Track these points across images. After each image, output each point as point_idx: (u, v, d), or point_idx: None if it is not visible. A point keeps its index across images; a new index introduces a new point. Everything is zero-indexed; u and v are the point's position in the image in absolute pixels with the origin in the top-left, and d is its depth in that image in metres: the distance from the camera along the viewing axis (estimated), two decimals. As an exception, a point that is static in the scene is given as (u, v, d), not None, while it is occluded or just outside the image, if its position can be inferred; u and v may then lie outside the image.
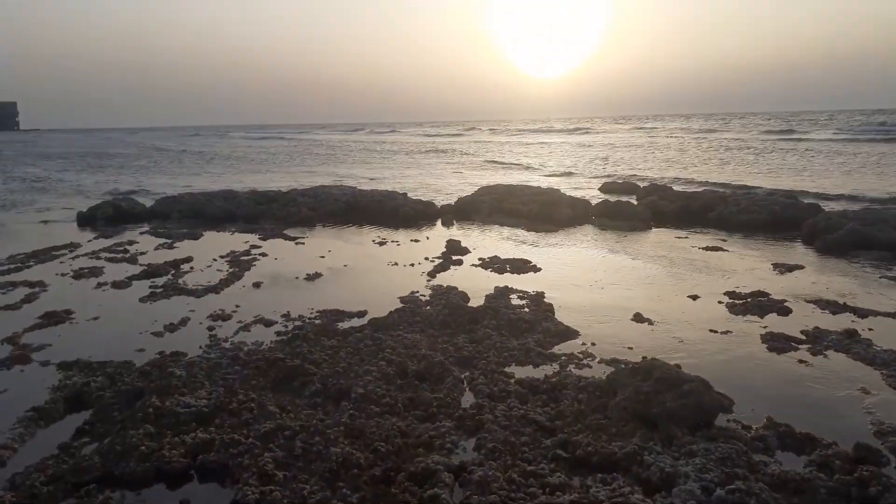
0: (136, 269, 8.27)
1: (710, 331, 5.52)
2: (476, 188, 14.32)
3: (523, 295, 6.66)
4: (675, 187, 14.97)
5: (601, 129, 70.41)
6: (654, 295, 6.66)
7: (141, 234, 11.30)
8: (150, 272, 8.07)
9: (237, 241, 10.36)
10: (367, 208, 12.93)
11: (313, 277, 7.71)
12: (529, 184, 14.93)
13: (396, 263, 8.37)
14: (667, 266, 7.92)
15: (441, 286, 7.05)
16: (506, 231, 10.84)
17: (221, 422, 3.89)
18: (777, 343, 5.19)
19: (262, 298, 6.86)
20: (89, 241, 10.64)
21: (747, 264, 8.00)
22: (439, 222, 12.02)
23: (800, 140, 36.93)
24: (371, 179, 21.61)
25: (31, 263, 8.65)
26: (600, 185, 17.02)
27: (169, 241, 10.42)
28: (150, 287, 7.36)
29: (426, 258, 8.64)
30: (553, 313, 5.94)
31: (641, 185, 15.90)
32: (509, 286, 6.95)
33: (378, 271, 8.02)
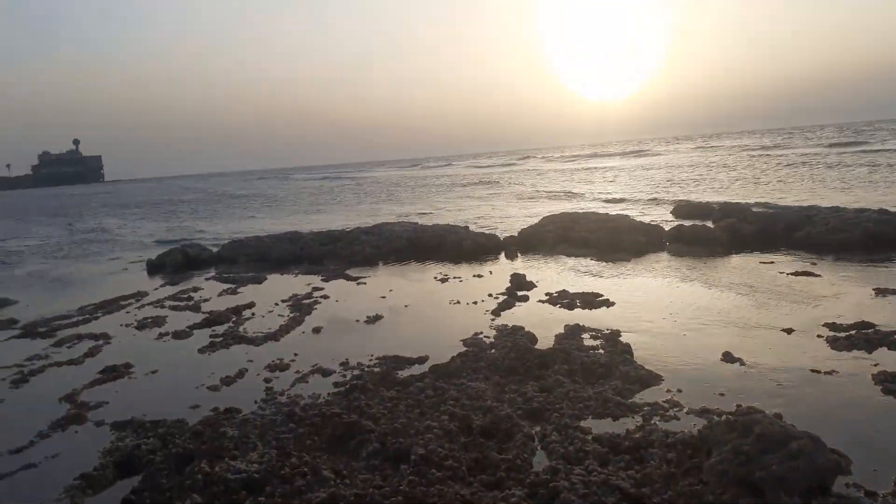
0: (198, 318, 8.23)
1: (812, 371, 4.89)
2: (539, 218, 13.89)
3: (596, 334, 6.17)
4: (752, 208, 14.11)
5: (659, 149, 67.99)
6: (743, 330, 6.04)
7: (206, 279, 11.40)
8: (212, 320, 8.00)
9: (300, 283, 10.27)
10: (429, 244, 12.69)
11: (374, 320, 7.45)
12: (593, 211, 14.37)
13: (458, 302, 8.02)
14: (753, 295, 7.25)
15: (506, 326, 6.65)
16: (572, 262, 10.35)
17: (272, 489, 3.60)
18: (894, 385, 4.52)
19: (321, 345, 6.64)
20: (156, 288, 10.79)
21: (845, 290, 7.24)
22: (502, 255, 11.63)
23: (867, 151, 34.32)
24: (429, 213, 21.48)
25: (99, 314, 8.77)
26: (671, 208, 16.24)
27: (233, 286, 10.44)
28: (211, 336, 7.27)
29: (490, 294, 8.25)
30: (631, 355, 5.43)
31: (716, 206, 15.06)
32: (580, 324, 6.48)
33: (439, 311, 7.69)
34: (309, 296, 9.11)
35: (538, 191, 28.91)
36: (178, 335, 7.39)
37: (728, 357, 5.28)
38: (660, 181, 28.75)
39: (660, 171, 36.21)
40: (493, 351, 5.81)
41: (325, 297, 8.99)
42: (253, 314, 8.25)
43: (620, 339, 5.93)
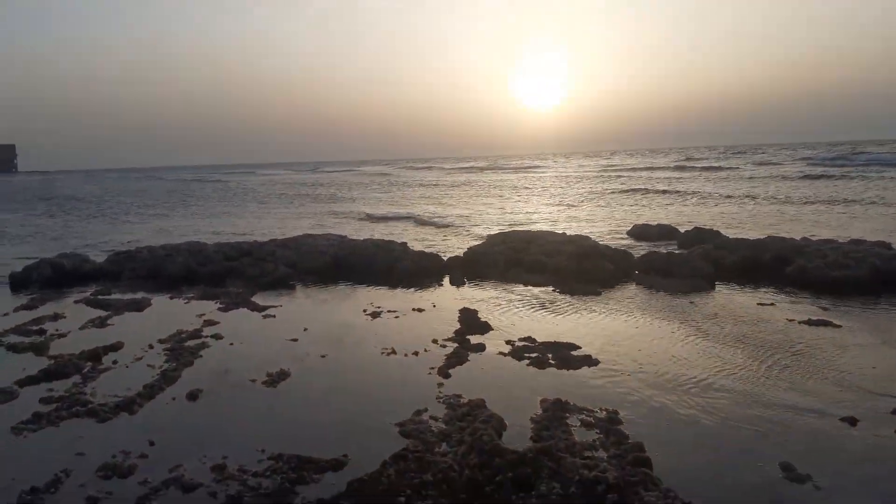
0: (39, 364, 6.01)
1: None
2: (488, 233, 12.15)
3: (588, 417, 4.40)
4: (716, 230, 12.84)
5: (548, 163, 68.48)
6: (788, 417, 4.38)
7: (76, 302, 9.02)
8: (54, 371, 5.78)
9: (191, 313, 8.09)
10: (359, 263, 10.71)
11: (276, 379, 5.44)
12: (548, 230, 12.74)
13: (394, 352, 6.10)
14: (773, 356, 5.63)
15: (460, 398, 4.80)
16: (530, 293, 8.59)
17: None
18: None
19: (193, 423, 4.60)
20: (5, 314, 8.37)
21: (888, 352, 5.73)
22: (447, 280, 9.77)
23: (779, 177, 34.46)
24: (364, 218, 19.47)
25: None
26: (629, 228, 14.82)
27: (105, 313, 8.16)
28: (42, 400, 5.10)
29: (434, 341, 6.38)
30: (650, 468, 3.64)
31: (681, 228, 13.72)
32: (562, 397, 4.69)
33: (368, 368, 5.74)
34: (197, 334, 6.99)
35: (472, 196, 27.23)
36: (-7, 399, 5.17)
37: (790, 471, 3.59)
38: (594, 194, 27.68)
39: (590, 183, 35.37)
40: (443, 449, 3.94)
41: (218, 336, 6.88)
42: (115, 362, 6.08)
43: (622, 427, 4.19)
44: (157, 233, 18.94)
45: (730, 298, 7.88)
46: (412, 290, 9.25)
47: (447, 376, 5.36)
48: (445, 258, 10.83)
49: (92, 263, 11.49)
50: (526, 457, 3.71)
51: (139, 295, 9.29)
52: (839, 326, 6.43)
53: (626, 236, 14.18)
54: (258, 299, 8.82)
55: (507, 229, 13.49)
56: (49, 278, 10.64)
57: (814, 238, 10.02)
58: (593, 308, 7.63)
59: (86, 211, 29.52)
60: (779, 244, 9.31)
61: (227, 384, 5.41)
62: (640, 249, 11.57)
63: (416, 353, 6.02)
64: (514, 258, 10.15)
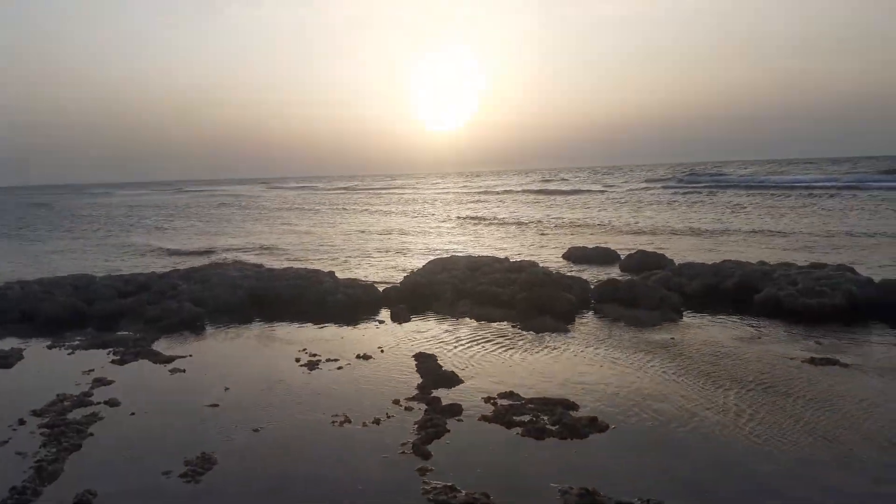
0: None
1: None
2: (426, 259, 11.01)
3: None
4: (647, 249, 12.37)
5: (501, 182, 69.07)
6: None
7: (-84, 358, 7.10)
8: None
9: (76, 368, 6.47)
10: (281, 298, 9.30)
11: (198, 470, 4.06)
12: (491, 255, 11.81)
13: (348, 420, 4.84)
14: (810, 410, 4.85)
15: (454, 493, 3.64)
16: (491, 330, 7.53)
17: None
18: None
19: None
20: None
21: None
22: (387, 316, 8.55)
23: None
24: (267, 249, 17.80)
25: None
26: (564, 251, 14.13)
27: (-44, 373, 6.38)
28: None
29: (396, 402, 5.18)
30: None
31: (617, 249, 13.16)
32: (587, 485, 3.64)
33: (319, 446, 4.45)
34: (85, 399, 5.44)
35: (389, 211, 26.04)
36: None
37: None
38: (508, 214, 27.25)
39: (500, 205, 35.13)
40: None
41: (114, 402, 5.37)
42: (-36, 451, 4.48)
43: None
44: (29, 261, 16.46)
45: (709, 333, 7.14)
46: (349, 328, 7.97)
47: (426, 456, 4.18)
48: (381, 289, 9.60)
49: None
50: None
51: (6, 345, 7.47)
52: (847, 366, 5.78)
53: (562, 260, 13.48)
54: (161, 346, 7.27)
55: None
56: None
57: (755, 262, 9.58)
58: (567, 348, 6.67)
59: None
60: (740, 270, 8.77)
61: (131, 481, 3.98)
62: (584, 275, 10.84)
63: (376, 422, 4.79)
64: (461, 289, 9.09)
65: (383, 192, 62.13)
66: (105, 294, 9.35)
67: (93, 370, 6.37)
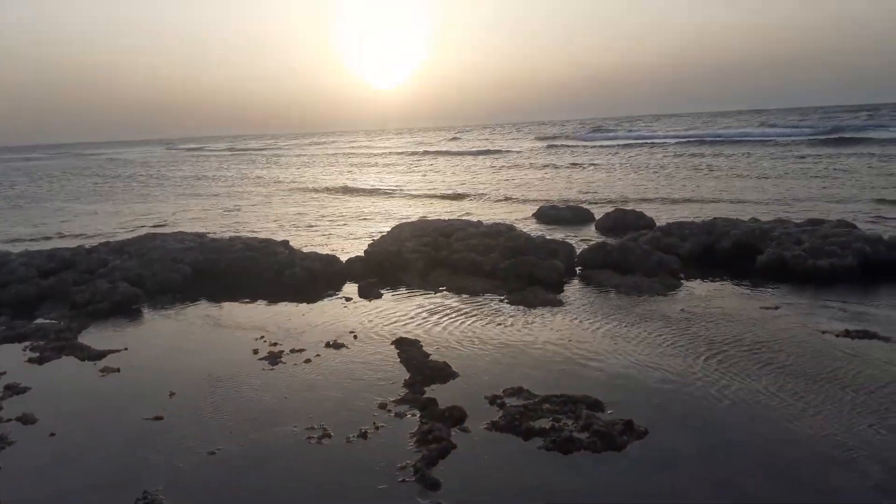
0: None
1: None
2: (378, 224, 10.00)
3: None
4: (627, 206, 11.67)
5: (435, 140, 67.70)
6: None
7: None
8: None
9: (-18, 369, 5.31)
10: (231, 271, 8.19)
11: (138, 522, 3.09)
12: (461, 217, 10.88)
13: (327, 433, 3.91)
14: (873, 406, 4.17)
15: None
16: (477, 305, 6.65)
17: None
18: None
19: None
20: None
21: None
22: (354, 291, 7.57)
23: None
24: (204, 215, 16.42)
25: None
26: (533, 210, 13.30)
27: None
28: None
29: (382, 406, 4.27)
30: None
31: (590, 208, 12.41)
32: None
33: (298, 475, 3.51)
34: (-11, 417, 4.35)
35: (332, 188, 24.73)
36: None
37: None
38: (467, 173, 26.34)
39: (451, 161, 34.19)
40: None
41: (29, 419, 4.29)
42: None
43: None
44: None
45: (719, 302, 6.44)
46: (310, 308, 6.97)
47: (434, 485, 3.30)
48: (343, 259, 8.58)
49: None
50: None
51: None
52: (888, 339, 5.15)
53: (533, 220, 12.67)
54: (91, 338, 6.13)
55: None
56: None
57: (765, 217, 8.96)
58: (568, 326, 5.85)
59: None
60: (736, 228, 8.11)
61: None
62: (559, 237, 10.06)
63: (363, 435, 3.88)
64: (434, 258, 8.17)
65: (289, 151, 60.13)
66: (21, 274, 8.04)
67: (4, 373, 5.22)
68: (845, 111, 70.03)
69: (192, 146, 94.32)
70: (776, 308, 6.13)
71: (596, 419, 3.88)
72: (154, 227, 13.76)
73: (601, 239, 9.92)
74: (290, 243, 9.35)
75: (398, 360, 5.14)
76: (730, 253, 7.94)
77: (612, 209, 11.31)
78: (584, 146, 40.66)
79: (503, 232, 8.61)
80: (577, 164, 27.47)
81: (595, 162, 27.86)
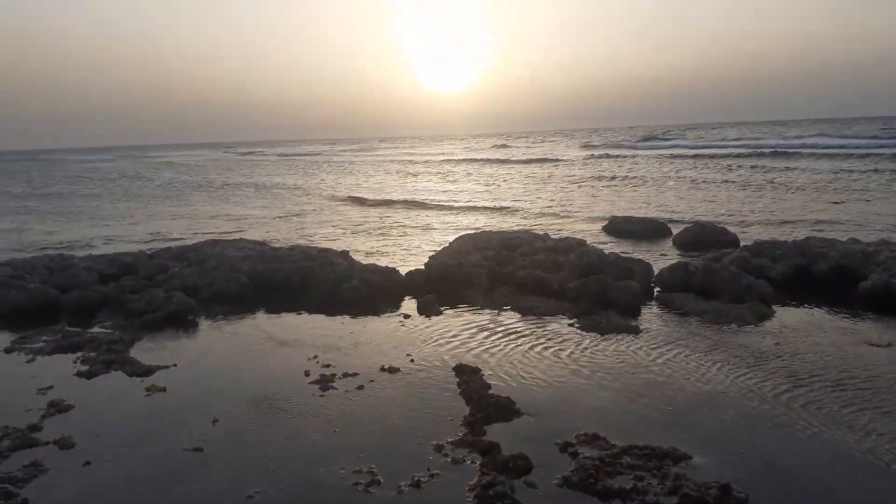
0: None
1: None
2: (453, 235, 9.60)
3: None
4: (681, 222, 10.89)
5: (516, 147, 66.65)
6: None
7: None
8: None
9: (32, 384, 5.16)
10: (287, 283, 7.95)
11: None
12: (526, 229, 10.38)
13: (376, 479, 3.50)
14: None
15: None
16: (543, 329, 6.12)
17: None
18: None
19: None
20: None
21: None
22: (413, 308, 7.18)
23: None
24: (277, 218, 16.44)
25: None
26: (604, 224, 12.64)
27: None
28: None
29: (438, 448, 3.83)
30: None
31: (667, 223, 11.67)
32: None
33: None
34: (29, 436, 4.14)
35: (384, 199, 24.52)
36: None
37: None
38: (527, 185, 25.71)
39: (512, 170, 33.53)
40: None
41: (67, 443, 4.06)
42: None
43: None
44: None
45: (819, 336, 5.71)
46: (367, 324, 6.62)
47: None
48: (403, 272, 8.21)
49: None
50: None
51: (-45, 348, 6.18)
52: None
53: (603, 232, 12.03)
54: (142, 351, 5.95)
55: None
56: None
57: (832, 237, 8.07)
58: (645, 358, 5.27)
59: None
60: (836, 249, 7.30)
61: None
62: (634, 253, 9.42)
63: (416, 484, 3.45)
64: (499, 273, 7.70)
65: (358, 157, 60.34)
66: (83, 279, 8.02)
67: (51, 387, 5.06)
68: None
69: (245, 150, 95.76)
70: (888, 346, 5.37)
71: (686, 480, 3.32)
72: (223, 234, 13.81)
73: (680, 257, 9.24)
74: (350, 253, 9.07)
75: (457, 390, 4.70)
76: (827, 277, 7.14)
77: (691, 223, 10.53)
78: (643, 155, 38.75)
79: (573, 247, 8.06)
80: (631, 175, 26.05)
81: (651, 174, 26.24)
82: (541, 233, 9.40)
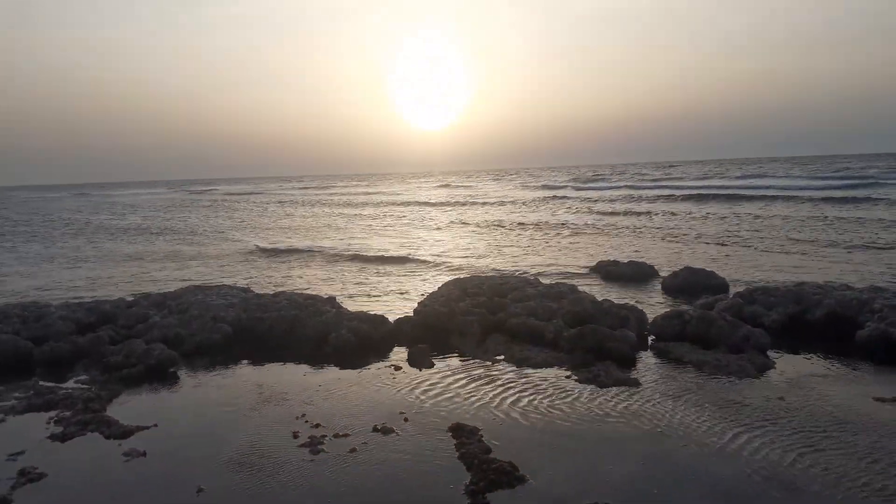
0: None
1: None
2: (439, 282, 9.43)
3: None
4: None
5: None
6: None
7: None
8: None
9: (5, 444, 4.86)
10: (272, 332, 7.70)
11: None
12: (518, 275, 10.25)
13: (376, 560, 3.27)
14: None
15: None
16: (540, 383, 5.94)
17: None
18: None
19: None
20: None
21: None
22: (403, 358, 6.97)
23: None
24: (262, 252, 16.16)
25: None
26: (593, 264, 12.57)
27: None
28: None
29: (440, 521, 3.61)
30: None
31: (653, 264, 11.62)
32: None
33: None
34: (-5, 515, 3.84)
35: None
36: None
37: None
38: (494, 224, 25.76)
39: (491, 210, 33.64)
40: None
41: (36, 522, 3.77)
42: None
43: None
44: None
45: (821, 389, 5.59)
46: (357, 377, 6.38)
47: None
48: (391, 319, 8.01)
49: None
50: None
51: (-80, 406, 5.83)
52: None
53: (592, 276, 11.94)
54: (120, 409, 5.66)
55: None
56: None
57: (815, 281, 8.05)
58: (646, 415, 5.10)
59: None
60: (830, 297, 7.25)
61: None
62: (620, 297, 9.34)
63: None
64: (490, 321, 7.54)
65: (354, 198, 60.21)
66: (59, 329, 7.71)
67: (22, 452, 4.76)
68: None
69: (201, 188, 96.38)
70: (894, 400, 5.27)
71: (705, 559, 3.14)
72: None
73: (671, 302, 9.17)
74: (337, 299, 8.86)
75: (455, 453, 4.49)
76: (821, 325, 7.08)
77: (680, 267, 10.49)
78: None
79: (565, 293, 7.94)
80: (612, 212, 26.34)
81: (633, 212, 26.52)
82: (529, 275, 9.27)
